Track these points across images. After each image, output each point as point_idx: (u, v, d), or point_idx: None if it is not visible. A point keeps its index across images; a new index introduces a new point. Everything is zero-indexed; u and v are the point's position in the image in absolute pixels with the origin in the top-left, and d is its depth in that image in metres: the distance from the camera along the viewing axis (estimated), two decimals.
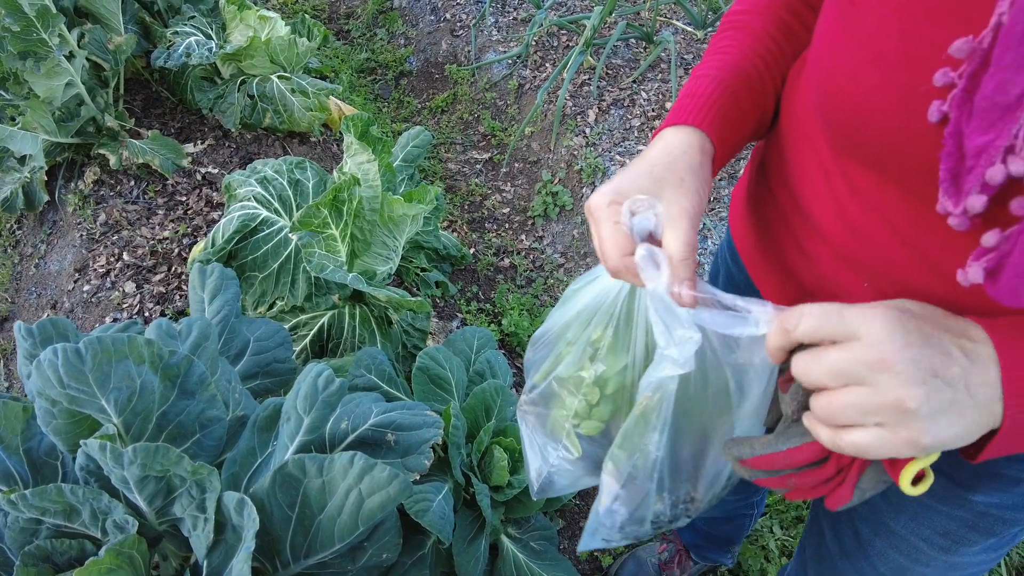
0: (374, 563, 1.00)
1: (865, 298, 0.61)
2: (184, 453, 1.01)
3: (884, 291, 0.59)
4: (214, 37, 2.24)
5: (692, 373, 0.56)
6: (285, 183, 1.59)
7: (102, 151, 2.00)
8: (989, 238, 0.45)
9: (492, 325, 2.07)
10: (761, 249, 0.79)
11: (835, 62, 0.54)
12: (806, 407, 0.51)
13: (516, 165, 2.62)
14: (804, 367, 0.48)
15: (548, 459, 0.64)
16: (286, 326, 1.47)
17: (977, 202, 0.44)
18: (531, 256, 2.35)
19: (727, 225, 0.94)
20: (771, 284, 0.79)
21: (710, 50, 0.74)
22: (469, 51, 2.95)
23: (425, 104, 2.93)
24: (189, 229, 1.97)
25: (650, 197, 0.57)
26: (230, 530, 0.93)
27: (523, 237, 2.41)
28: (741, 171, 2.03)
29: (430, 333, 1.74)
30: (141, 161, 2.01)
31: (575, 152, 2.48)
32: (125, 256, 1.86)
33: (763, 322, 0.51)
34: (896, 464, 0.49)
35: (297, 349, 1.45)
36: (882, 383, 0.44)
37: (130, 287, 1.79)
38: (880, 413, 0.45)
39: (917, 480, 0.49)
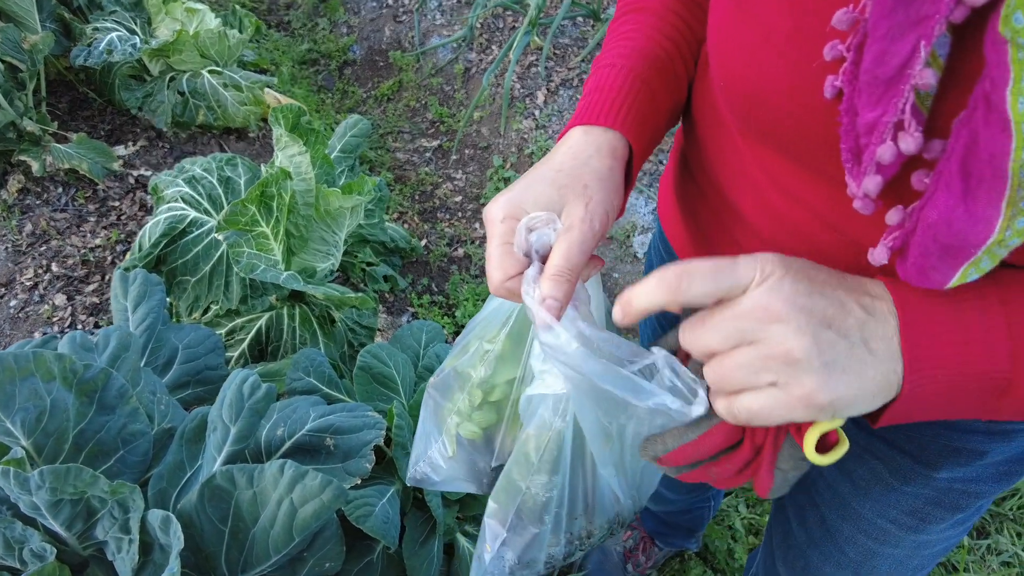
0: (316, 574, 0.95)
1: None
2: (105, 472, 0.96)
3: None
4: (138, 32, 2.14)
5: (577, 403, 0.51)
6: (215, 181, 1.52)
7: (23, 158, 1.90)
8: (892, 216, 0.43)
9: (446, 318, 2.03)
10: (693, 241, 0.75)
11: (729, 43, 0.51)
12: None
13: (467, 151, 2.57)
14: (692, 336, 0.45)
15: (428, 449, 0.60)
16: (222, 331, 1.41)
17: (872, 183, 0.41)
18: (486, 245, 2.31)
19: (657, 216, 0.89)
20: None
21: (611, 36, 0.67)
22: (413, 36, 2.88)
23: (370, 93, 2.85)
24: (123, 235, 1.88)
25: (550, 213, 0.52)
26: (157, 550, 0.88)
27: (477, 226, 2.36)
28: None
29: (378, 330, 1.70)
30: (67, 166, 1.92)
31: (525, 135, 2.44)
32: (54, 267, 1.77)
33: (699, 402, 0.47)
34: (802, 431, 0.45)
35: (235, 354, 1.39)
36: (771, 335, 0.41)
37: (60, 299, 1.70)
38: (770, 369, 0.42)
39: (827, 448, 0.45)
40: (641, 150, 0.60)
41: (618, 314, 0.48)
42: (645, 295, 0.45)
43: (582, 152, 0.56)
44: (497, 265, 0.52)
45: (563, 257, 0.50)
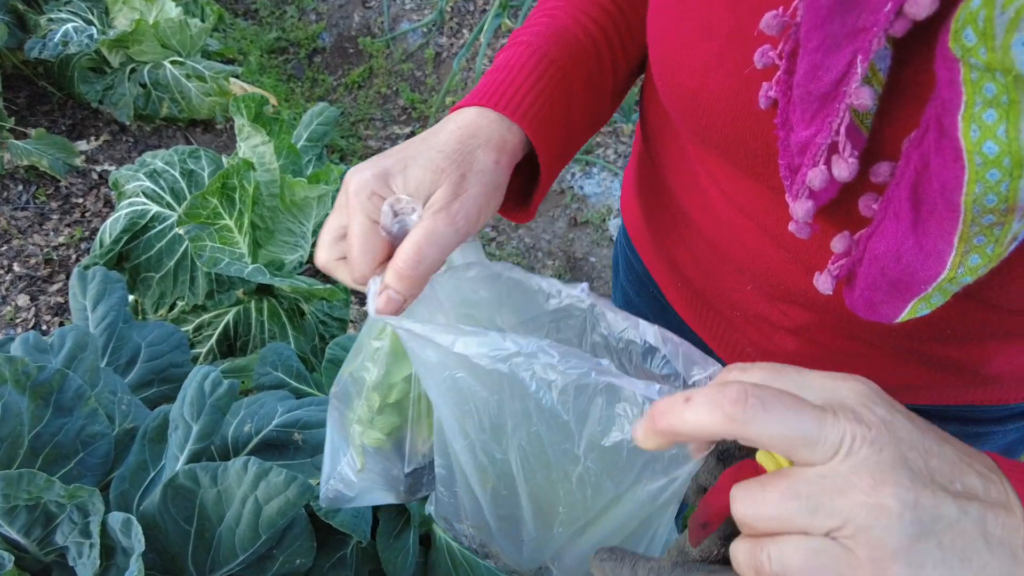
0: (287, 571, 0.94)
1: (754, 300, 0.55)
2: (65, 475, 0.93)
3: (768, 294, 0.53)
4: (96, 22, 2.08)
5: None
6: (177, 175, 1.48)
7: None
8: (837, 243, 0.39)
9: None
10: (652, 241, 0.70)
11: (668, 35, 0.46)
12: (726, 542, 0.35)
13: None
14: (751, 504, 0.31)
15: (337, 466, 0.57)
16: (189, 327, 1.38)
17: (801, 209, 0.37)
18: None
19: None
20: (665, 279, 0.71)
21: (537, 9, 0.58)
22: (383, 22, 2.83)
23: (340, 81, 2.80)
24: (87, 233, 1.84)
25: (414, 202, 0.45)
26: (120, 553, 0.86)
27: None
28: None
29: (350, 321, 1.67)
30: (27, 163, 1.87)
31: None
32: (16, 267, 1.72)
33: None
34: None
35: (203, 351, 1.37)
36: (861, 521, 0.29)
37: (23, 300, 1.66)
38: (837, 524, 0.29)
39: None
40: (548, 152, 0.51)
41: (641, 434, 0.34)
42: (692, 418, 0.31)
43: (471, 138, 0.48)
44: (364, 249, 0.44)
45: (415, 250, 0.43)
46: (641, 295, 0.80)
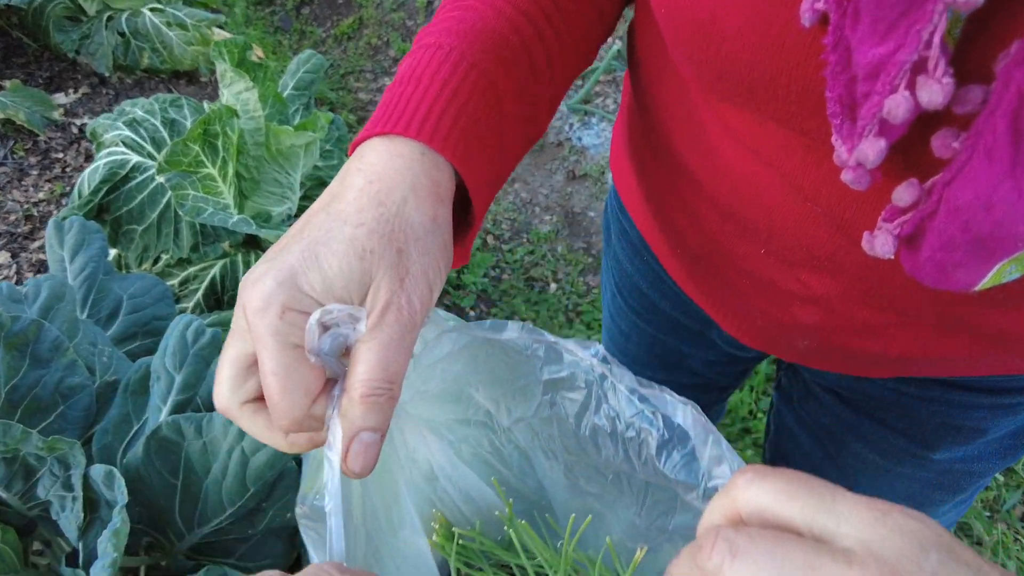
0: (278, 524, 0.91)
1: (766, 266, 0.48)
2: (45, 428, 0.90)
3: (786, 259, 0.46)
4: None
5: None
6: (159, 124, 1.42)
7: None
8: (903, 194, 0.32)
9: None
10: (646, 204, 0.62)
11: None
12: None
13: None
14: None
15: None
16: (175, 281, 1.34)
17: (871, 150, 0.30)
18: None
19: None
20: (663, 246, 0.63)
21: (446, 3, 0.46)
22: None
23: (329, 32, 2.71)
24: (67, 188, 1.78)
25: (351, 307, 0.34)
26: (104, 507, 0.83)
27: None
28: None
29: None
30: (2, 116, 1.80)
31: None
32: None
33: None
34: None
35: (190, 305, 1.33)
36: None
37: (4, 257, 1.61)
38: None
39: None
40: (480, 183, 0.41)
41: None
42: None
43: (391, 194, 0.36)
44: (291, 384, 0.33)
45: (377, 365, 0.33)
46: (635, 264, 0.73)
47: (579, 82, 2.30)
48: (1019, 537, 1.61)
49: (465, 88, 0.40)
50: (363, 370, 0.33)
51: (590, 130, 2.19)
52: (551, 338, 0.38)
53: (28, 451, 0.80)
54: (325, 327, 0.34)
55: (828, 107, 0.31)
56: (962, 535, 1.65)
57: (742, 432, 1.74)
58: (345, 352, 0.35)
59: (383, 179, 0.36)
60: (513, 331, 0.39)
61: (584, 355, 0.39)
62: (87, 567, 0.83)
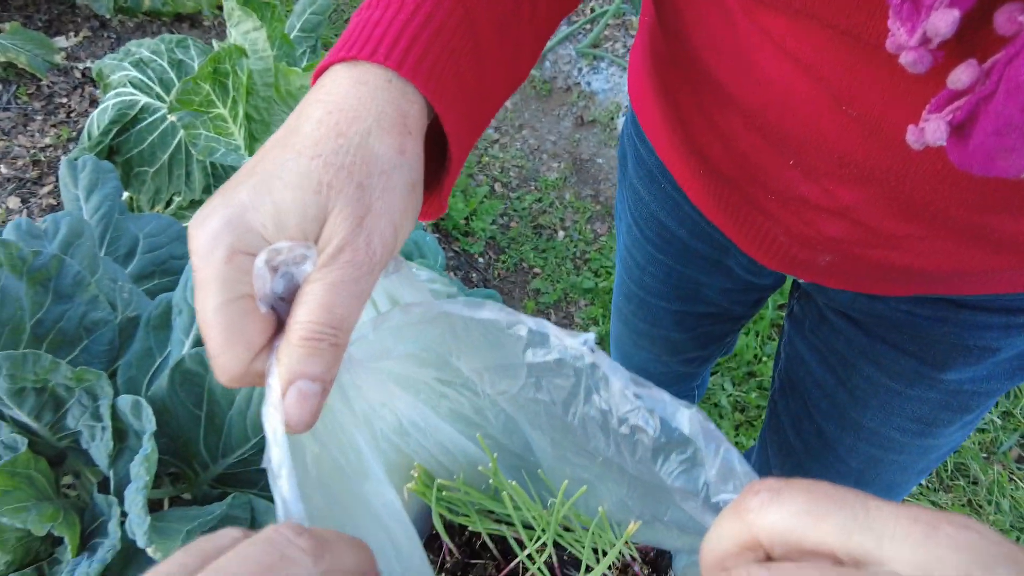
0: None
1: (795, 182, 0.48)
2: (71, 362, 0.92)
3: (814, 166, 0.46)
4: None
5: None
6: (166, 64, 1.40)
7: None
8: (960, 75, 0.30)
9: None
10: (666, 123, 0.62)
11: None
12: None
13: None
14: None
15: None
16: (187, 223, 1.34)
17: (943, 22, 0.28)
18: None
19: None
20: (683, 168, 0.63)
21: None
22: None
23: None
24: (74, 133, 1.77)
25: (301, 243, 0.31)
26: (132, 436, 0.86)
27: None
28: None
29: None
30: (3, 59, 1.77)
31: None
32: (3, 168, 1.66)
33: None
34: None
35: None
36: None
37: (14, 202, 1.61)
38: None
39: None
40: (458, 119, 0.37)
41: None
42: None
43: (353, 123, 0.32)
44: (231, 338, 0.30)
45: (321, 307, 0.30)
46: (652, 191, 0.73)
47: (588, 26, 2.25)
48: (1014, 477, 1.65)
49: (439, 15, 0.36)
50: (304, 312, 0.30)
51: (599, 75, 2.16)
52: (532, 321, 0.34)
53: (57, 382, 0.82)
54: (275, 269, 0.30)
55: None
56: (959, 475, 1.69)
57: (747, 375, 1.77)
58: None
59: (344, 109, 0.33)
60: (491, 311, 0.34)
61: (572, 343, 0.34)
62: (118, 493, 0.86)
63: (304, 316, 0.30)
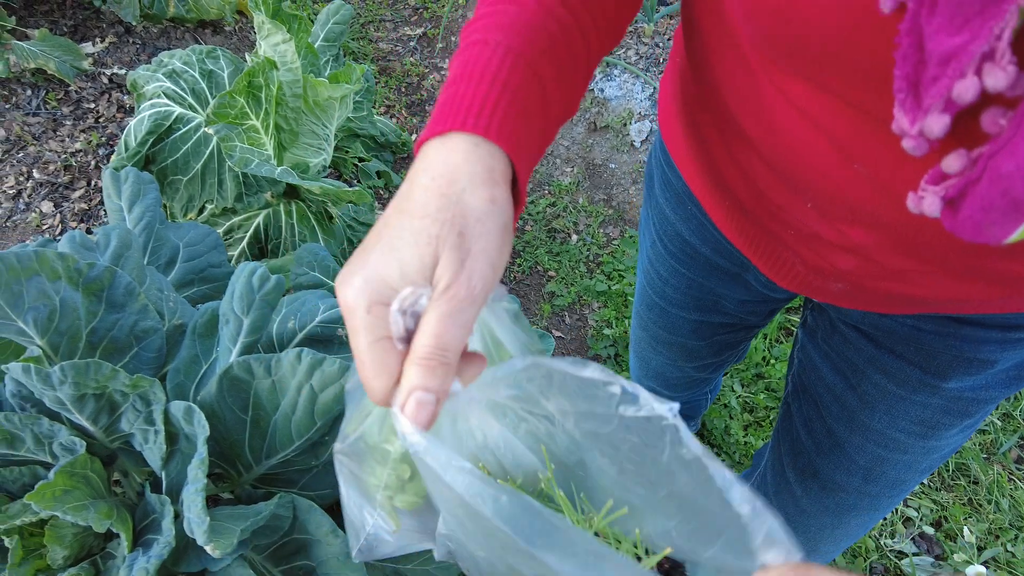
0: None
1: (810, 220, 0.53)
2: (122, 368, 0.97)
3: (829, 213, 0.51)
4: None
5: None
6: (197, 75, 1.45)
7: None
8: (952, 162, 0.36)
9: None
10: (694, 155, 0.67)
11: None
12: None
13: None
14: None
15: (365, 524, 0.54)
16: (219, 230, 1.39)
17: (937, 124, 0.34)
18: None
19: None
20: (708, 197, 0.68)
21: None
22: None
23: None
24: (104, 139, 1.81)
25: (419, 289, 0.38)
26: (183, 440, 0.91)
27: None
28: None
29: None
30: (34, 66, 1.82)
31: None
32: (36, 174, 1.71)
33: None
34: None
35: (235, 253, 1.38)
36: None
37: (47, 207, 1.66)
38: None
39: None
40: (524, 166, 0.44)
41: None
42: None
43: (452, 186, 0.40)
44: (378, 370, 0.38)
45: (433, 335, 0.37)
46: (679, 213, 0.79)
47: None
48: (1013, 477, 1.69)
49: (513, 80, 0.43)
50: (421, 339, 0.38)
51: (612, 82, 2.20)
52: (628, 384, 0.40)
53: (115, 388, 0.87)
54: (404, 312, 0.38)
55: (895, 84, 0.35)
56: (960, 475, 1.74)
57: (756, 377, 1.81)
58: None
59: (444, 174, 0.40)
60: (593, 372, 0.40)
61: (660, 408, 0.39)
62: (170, 493, 0.91)
63: (421, 342, 0.38)
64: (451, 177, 0.40)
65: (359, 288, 0.39)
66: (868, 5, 0.35)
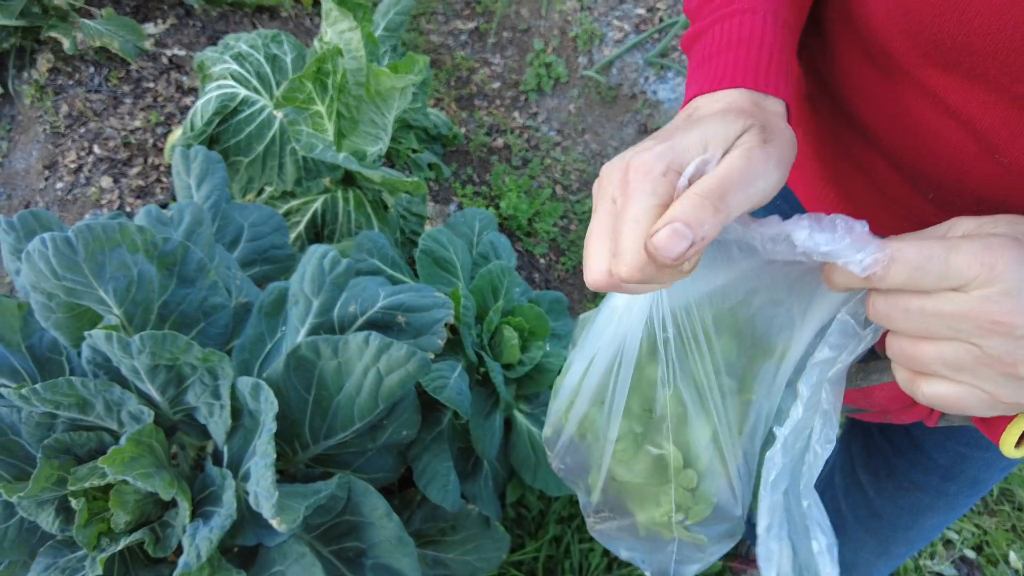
0: (393, 440, 1.00)
1: (927, 212, 0.54)
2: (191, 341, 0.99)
3: (951, 202, 0.51)
4: None
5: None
6: (262, 59, 1.47)
7: (53, 34, 1.84)
8: None
9: (490, 208, 2.02)
10: (805, 155, 0.68)
11: None
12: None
13: (505, 34, 2.46)
14: (884, 312, 0.37)
15: (668, 569, 0.52)
16: (278, 213, 1.41)
17: None
18: (525, 135, 2.25)
19: None
20: (808, 190, 0.69)
21: None
22: None
23: None
24: (162, 117, 1.85)
25: (710, 155, 0.38)
26: (247, 415, 0.92)
27: (516, 115, 2.30)
28: None
29: (427, 218, 1.69)
30: (98, 44, 1.85)
31: (569, 17, 2.32)
32: (96, 149, 1.75)
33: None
34: (991, 421, 0.41)
35: (292, 236, 1.40)
36: (994, 346, 0.34)
37: (107, 182, 1.69)
38: (981, 375, 0.35)
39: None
40: (792, 97, 0.48)
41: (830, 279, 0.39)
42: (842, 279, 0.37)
43: (751, 103, 0.43)
44: (646, 230, 0.37)
45: (718, 176, 0.36)
46: (766, 209, 0.77)
47: (656, 35, 2.28)
48: None
49: (788, 45, 0.48)
50: (703, 180, 0.36)
51: (665, 84, 2.19)
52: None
53: (186, 360, 0.89)
54: (691, 182, 0.37)
55: None
56: (1005, 500, 1.71)
57: None
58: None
59: (737, 103, 0.43)
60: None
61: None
62: (231, 466, 0.92)
63: (703, 182, 0.36)
64: (745, 107, 0.42)
65: (660, 153, 0.38)
66: None
